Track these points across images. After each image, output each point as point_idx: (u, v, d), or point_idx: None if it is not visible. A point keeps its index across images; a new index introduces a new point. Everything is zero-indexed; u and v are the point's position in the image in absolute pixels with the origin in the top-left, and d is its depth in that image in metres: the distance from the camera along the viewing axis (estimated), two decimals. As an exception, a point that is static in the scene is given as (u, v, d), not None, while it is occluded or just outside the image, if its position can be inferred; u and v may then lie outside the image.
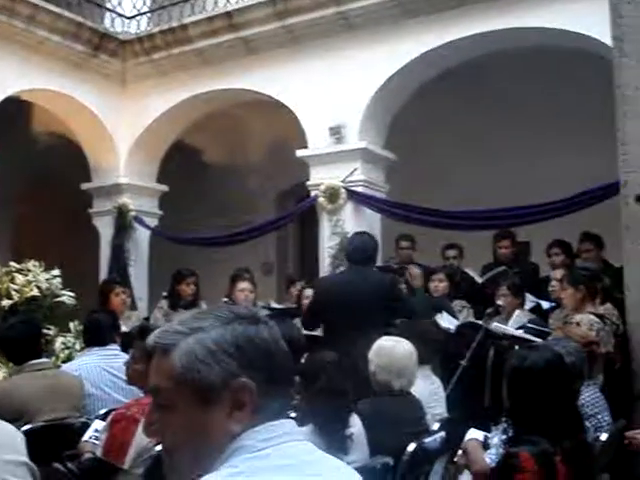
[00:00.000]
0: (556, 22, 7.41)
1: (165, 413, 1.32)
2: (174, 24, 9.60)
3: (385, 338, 4.25)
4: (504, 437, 3.16)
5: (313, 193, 8.72)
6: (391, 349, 4.11)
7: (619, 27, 5.02)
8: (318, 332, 6.40)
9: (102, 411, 4.40)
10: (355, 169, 8.48)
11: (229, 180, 12.12)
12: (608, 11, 5.22)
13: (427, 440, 3.93)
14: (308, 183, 8.85)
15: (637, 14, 4.83)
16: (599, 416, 4.07)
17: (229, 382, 1.28)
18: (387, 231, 8.40)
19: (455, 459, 3.98)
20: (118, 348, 4.96)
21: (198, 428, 1.29)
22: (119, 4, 10.14)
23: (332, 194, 8.44)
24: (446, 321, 6.22)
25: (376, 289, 5.49)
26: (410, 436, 3.81)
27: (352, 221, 8.43)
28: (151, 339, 1.37)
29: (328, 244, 8.44)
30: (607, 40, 5.41)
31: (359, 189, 8.52)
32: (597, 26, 6.43)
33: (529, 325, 5.57)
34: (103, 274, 9.78)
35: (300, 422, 3.54)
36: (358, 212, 8.55)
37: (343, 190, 8.42)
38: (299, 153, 8.97)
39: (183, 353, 1.30)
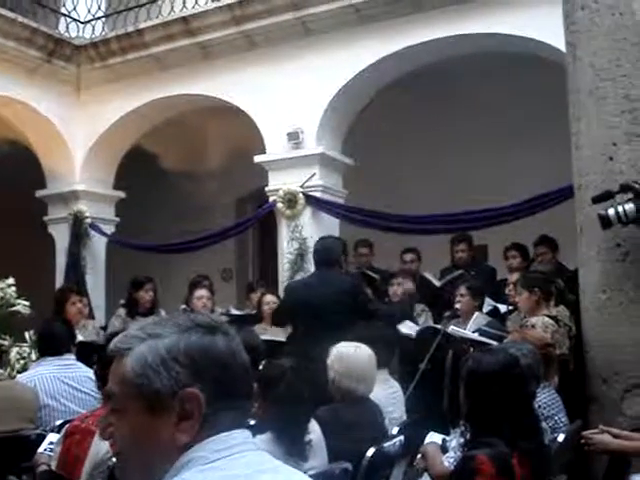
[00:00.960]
0: (511, 28, 7.51)
1: (117, 417, 1.31)
2: (130, 29, 9.54)
3: (343, 344, 4.22)
4: (462, 440, 3.18)
5: (271, 199, 8.71)
6: (352, 355, 4.10)
7: (572, 33, 5.07)
8: (280, 337, 6.42)
9: (58, 422, 4.34)
10: (313, 174, 8.50)
11: (187, 186, 12.01)
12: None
13: (386, 444, 3.93)
14: (267, 189, 8.84)
15: (589, 21, 4.89)
16: (556, 417, 4.11)
17: (177, 391, 1.26)
18: (346, 236, 8.40)
19: (414, 463, 4.00)
20: (74, 358, 4.89)
21: (145, 435, 1.28)
22: (74, 9, 10.03)
23: (290, 199, 8.44)
24: (406, 327, 6.24)
25: (341, 292, 5.50)
26: (369, 441, 3.81)
27: (311, 226, 8.44)
28: (112, 344, 1.36)
29: (287, 249, 8.43)
30: (561, 46, 5.48)
31: (317, 194, 8.54)
32: (551, 32, 6.51)
33: (485, 328, 5.61)
34: (59, 282, 9.64)
35: (259, 429, 3.52)
36: (317, 217, 8.55)
37: (301, 195, 8.43)
38: (257, 159, 8.96)
39: (135, 358, 1.29)
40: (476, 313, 6.18)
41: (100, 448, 3.17)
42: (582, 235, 4.94)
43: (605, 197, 4.36)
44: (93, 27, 10.04)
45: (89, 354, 5.82)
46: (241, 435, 1.32)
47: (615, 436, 3.62)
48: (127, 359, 1.30)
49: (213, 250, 10.17)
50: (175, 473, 1.26)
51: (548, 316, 4.83)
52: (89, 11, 10.07)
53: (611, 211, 4.28)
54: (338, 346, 4.18)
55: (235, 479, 1.24)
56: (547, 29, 6.85)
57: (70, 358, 4.88)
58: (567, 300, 5.53)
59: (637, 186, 4.25)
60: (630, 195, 4.27)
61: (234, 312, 7.96)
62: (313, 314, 5.38)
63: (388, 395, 4.68)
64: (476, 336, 5.41)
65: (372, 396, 4.19)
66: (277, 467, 1.33)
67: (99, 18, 10.10)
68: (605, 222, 4.32)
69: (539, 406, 3.98)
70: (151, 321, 1.36)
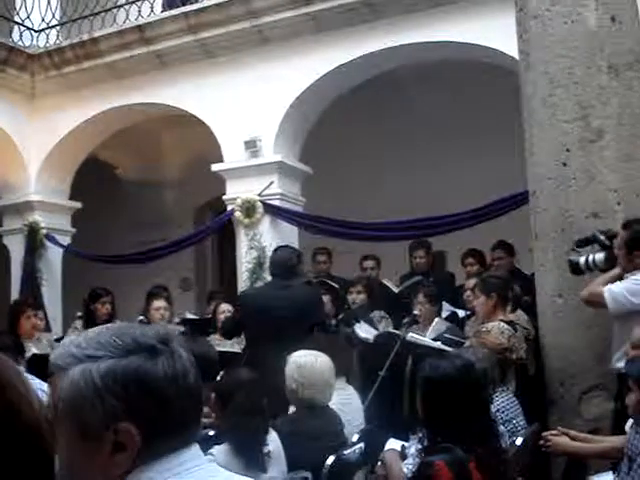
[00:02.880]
0: (466, 37, 7.57)
1: (58, 432, 1.25)
2: (84, 37, 9.42)
3: (302, 353, 4.18)
4: (420, 446, 3.19)
5: (230, 207, 8.67)
6: (313, 365, 4.08)
7: (525, 41, 5.14)
8: (236, 349, 6.38)
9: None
10: (271, 182, 8.48)
11: (145, 196, 11.94)
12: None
13: (346, 452, 3.92)
14: (224, 197, 8.80)
15: (542, 29, 4.96)
16: (514, 421, 4.14)
17: (109, 425, 1.20)
18: (305, 244, 8.40)
19: (375, 470, 4.00)
20: (23, 370, 4.78)
21: (79, 459, 1.24)
22: (27, 17, 9.88)
23: (249, 208, 8.41)
24: (364, 331, 6.25)
25: (298, 302, 5.49)
26: (329, 450, 3.80)
27: (269, 235, 8.41)
28: (52, 356, 1.31)
29: (246, 258, 8.39)
30: (515, 54, 5.55)
31: (276, 202, 8.52)
32: (505, 40, 6.59)
33: (447, 335, 5.63)
34: (15, 294, 9.47)
35: (217, 441, 3.50)
36: (275, 226, 8.53)
37: (260, 204, 8.40)
38: (215, 167, 8.91)
39: (69, 383, 1.23)
40: (436, 319, 6.20)
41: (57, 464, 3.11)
42: (537, 240, 5.00)
43: (587, 242, 4.49)
44: (47, 35, 9.91)
45: (43, 367, 5.70)
46: (189, 452, 1.28)
47: (573, 438, 3.66)
48: (63, 380, 1.24)
49: (172, 260, 10.09)
50: None
51: (504, 321, 4.87)
52: (43, 19, 9.92)
53: (582, 259, 4.45)
54: (296, 355, 4.14)
55: None
56: (501, 37, 6.93)
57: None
58: (523, 305, 5.59)
59: (602, 238, 4.40)
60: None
61: (189, 317, 7.91)
62: (270, 324, 5.36)
63: (345, 402, 4.68)
64: (434, 343, 5.43)
65: (331, 404, 4.17)
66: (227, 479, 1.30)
67: (53, 26, 9.96)
68: (575, 269, 4.52)
69: (497, 410, 4.01)
70: (93, 335, 1.29)
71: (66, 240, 10.20)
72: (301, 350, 4.20)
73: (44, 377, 4.09)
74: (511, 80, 6.02)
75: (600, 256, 4.42)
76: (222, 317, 6.87)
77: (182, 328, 6.85)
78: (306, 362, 4.08)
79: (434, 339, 5.66)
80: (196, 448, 1.30)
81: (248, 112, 8.58)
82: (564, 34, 4.85)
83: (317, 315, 5.64)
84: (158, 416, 1.23)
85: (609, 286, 4.28)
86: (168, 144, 11.90)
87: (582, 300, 4.49)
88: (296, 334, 5.08)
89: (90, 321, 7.02)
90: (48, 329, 8.19)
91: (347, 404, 4.66)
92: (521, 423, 4.16)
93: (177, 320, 7.33)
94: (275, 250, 6.24)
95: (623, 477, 3.05)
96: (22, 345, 5.18)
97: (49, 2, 9.96)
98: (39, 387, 4.44)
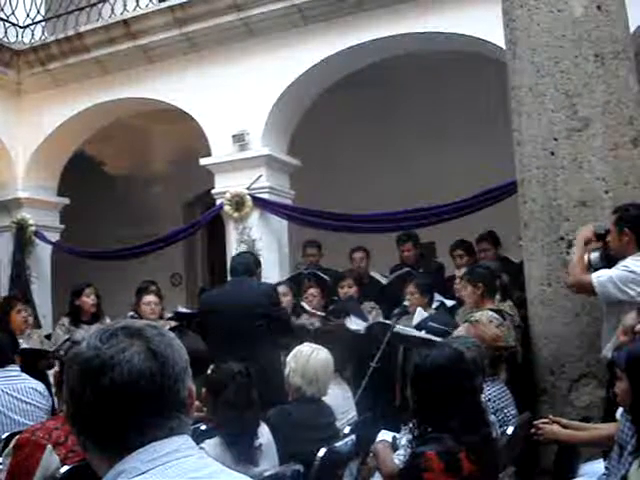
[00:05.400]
0: (453, 27, 7.57)
1: None
2: (70, 33, 9.37)
3: (306, 344, 4.27)
4: (411, 437, 3.19)
5: (219, 201, 8.65)
6: (307, 356, 4.11)
7: (511, 31, 5.14)
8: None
9: (4, 435, 4.23)
10: (260, 176, 8.46)
11: (134, 191, 11.91)
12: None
13: (338, 444, 3.92)
14: (213, 191, 8.78)
15: (528, 18, 4.96)
16: (505, 410, 4.15)
17: None
18: (295, 237, 8.40)
19: (367, 461, 4.00)
20: (18, 369, 4.77)
21: None
22: (12, 13, 9.81)
23: (238, 202, 8.39)
24: (354, 324, 6.25)
25: (254, 298, 5.57)
26: (321, 442, 3.80)
27: (259, 228, 8.41)
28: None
29: (236, 252, 8.36)
30: (502, 43, 5.55)
31: (265, 196, 8.50)
32: (492, 30, 6.59)
33: (432, 324, 5.63)
34: (4, 291, 9.42)
35: (209, 435, 3.49)
36: (265, 219, 8.52)
37: (249, 197, 8.39)
38: (203, 161, 8.88)
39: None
40: (418, 309, 6.19)
41: (51, 463, 3.10)
42: (526, 229, 5.00)
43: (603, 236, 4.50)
44: (32, 31, 9.84)
45: (34, 362, 5.71)
46: (176, 442, 1.28)
47: (564, 426, 3.67)
48: None
49: (162, 255, 10.07)
50: None
51: (493, 310, 4.88)
52: (28, 15, 9.85)
53: None
54: (300, 346, 4.24)
55: None
56: (487, 27, 6.93)
57: (14, 369, 4.76)
58: (512, 295, 5.61)
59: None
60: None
61: (181, 310, 7.89)
62: (231, 321, 5.42)
63: (344, 396, 4.71)
64: (421, 334, 5.44)
65: (329, 397, 4.20)
66: (212, 473, 1.28)
67: (39, 22, 9.89)
68: None
69: (488, 399, 4.02)
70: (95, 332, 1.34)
71: (55, 237, 10.16)
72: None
73: (34, 371, 4.07)
74: (498, 70, 6.02)
75: (596, 255, 4.44)
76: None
77: (174, 323, 6.83)
78: (303, 352, 4.12)
79: (419, 327, 5.67)
80: (184, 438, 1.30)
81: (235, 106, 8.55)
82: (550, 23, 4.85)
83: (281, 320, 5.70)
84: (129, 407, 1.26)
85: (599, 274, 4.27)
86: (156, 139, 11.87)
87: (568, 286, 4.49)
88: (254, 330, 5.16)
89: (77, 317, 7.02)
90: (38, 325, 8.18)
91: (344, 397, 4.69)
92: (512, 412, 4.17)
93: (169, 315, 7.31)
94: (234, 256, 6.41)
95: (614, 465, 3.06)
96: (17, 342, 5.18)
97: (34, -2, 9.90)
98: (30, 386, 4.46)
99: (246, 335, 5.11)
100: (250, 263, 6.01)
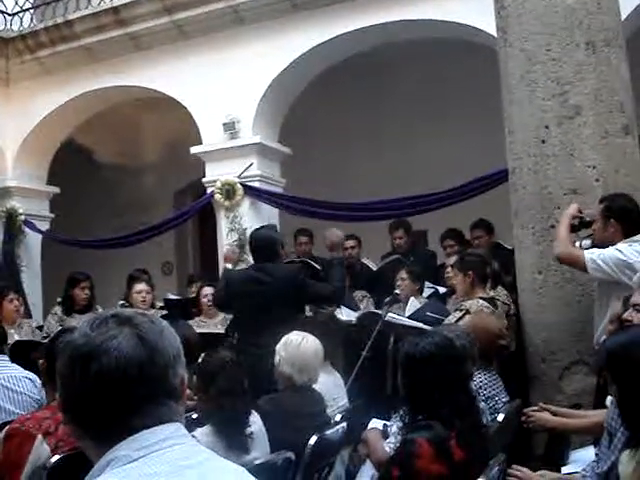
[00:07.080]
0: (444, 14, 7.55)
1: None
2: (59, 20, 9.32)
3: (294, 333, 4.23)
4: (401, 424, 3.19)
5: (209, 190, 8.63)
6: (297, 344, 4.09)
7: (502, 18, 5.13)
8: (219, 329, 6.38)
9: (-5, 425, 4.21)
10: (251, 164, 8.45)
11: (124, 180, 11.87)
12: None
13: (329, 432, 3.92)
14: (204, 180, 8.77)
15: (519, 5, 4.94)
16: (496, 398, 4.16)
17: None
18: (286, 225, 8.38)
19: (357, 449, 4.01)
20: (7, 359, 4.74)
21: None
22: (0, 1, 9.75)
23: (228, 190, 8.38)
24: (345, 314, 6.24)
25: (282, 282, 5.45)
26: (312, 430, 3.80)
27: (250, 217, 8.40)
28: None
29: (227, 241, 8.36)
30: (493, 31, 5.54)
31: (255, 184, 8.49)
32: (483, 18, 6.57)
33: (429, 314, 5.64)
34: (-6, 282, 9.39)
35: (200, 422, 3.49)
36: (255, 207, 8.51)
37: (239, 186, 8.37)
38: (193, 150, 8.86)
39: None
40: (411, 298, 6.20)
41: (41, 453, 3.09)
42: (517, 217, 5.01)
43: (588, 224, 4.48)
44: (21, 19, 9.79)
45: (27, 353, 5.67)
46: (167, 429, 1.28)
47: (554, 414, 3.68)
48: None
49: (153, 244, 10.06)
50: (98, 473, 1.23)
51: (484, 298, 4.88)
52: (17, 3, 9.81)
53: None
54: (289, 334, 4.19)
55: (154, 477, 1.20)
56: (478, 14, 6.91)
57: (4, 359, 4.73)
58: (503, 282, 5.61)
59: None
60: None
61: (172, 297, 7.88)
62: (254, 307, 5.33)
63: (335, 384, 4.70)
64: (412, 322, 5.44)
65: (320, 384, 4.19)
66: (203, 461, 1.29)
67: (27, 10, 9.84)
68: None
69: (480, 387, 4.03)
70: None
71: (45, 226, 10.13)
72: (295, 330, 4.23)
73: (27, 363, 4.04)
74: (490, 58, 6.00)
75: (587, 242, 4.45)
76: (205, 300, 6.83)
77: (164, 312, 6.82)
78: (292, 340, 4.11)
79: (414, 318, 5.67)
80: (176, 426, 1.31)
81: (226, 94, 8.52)
82: (541, 11, 4.84)
83: (312, 296, 5.64)
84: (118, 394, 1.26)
85: (591, 251, 4.26)
86: (146, 127, 11.81)
87: (556, 256, 4.46)
88: (282, 314, 5.08)
89: (69, 307, 7.00)
90: (28, 315, 8.15)
91: (335, 384, 4.69)
92: (503, 400, 4.18)
93: (160, 304, 7.29)
94: (255, 232, 6.11)
95: (604, 452, 3.06)
96: (5, 332, 5.14)
97: (22, -15, 9.83)
98: (21, 374, 4.42)
99: (275, 320, 5.00)
100: (270, 244, 5.66)
